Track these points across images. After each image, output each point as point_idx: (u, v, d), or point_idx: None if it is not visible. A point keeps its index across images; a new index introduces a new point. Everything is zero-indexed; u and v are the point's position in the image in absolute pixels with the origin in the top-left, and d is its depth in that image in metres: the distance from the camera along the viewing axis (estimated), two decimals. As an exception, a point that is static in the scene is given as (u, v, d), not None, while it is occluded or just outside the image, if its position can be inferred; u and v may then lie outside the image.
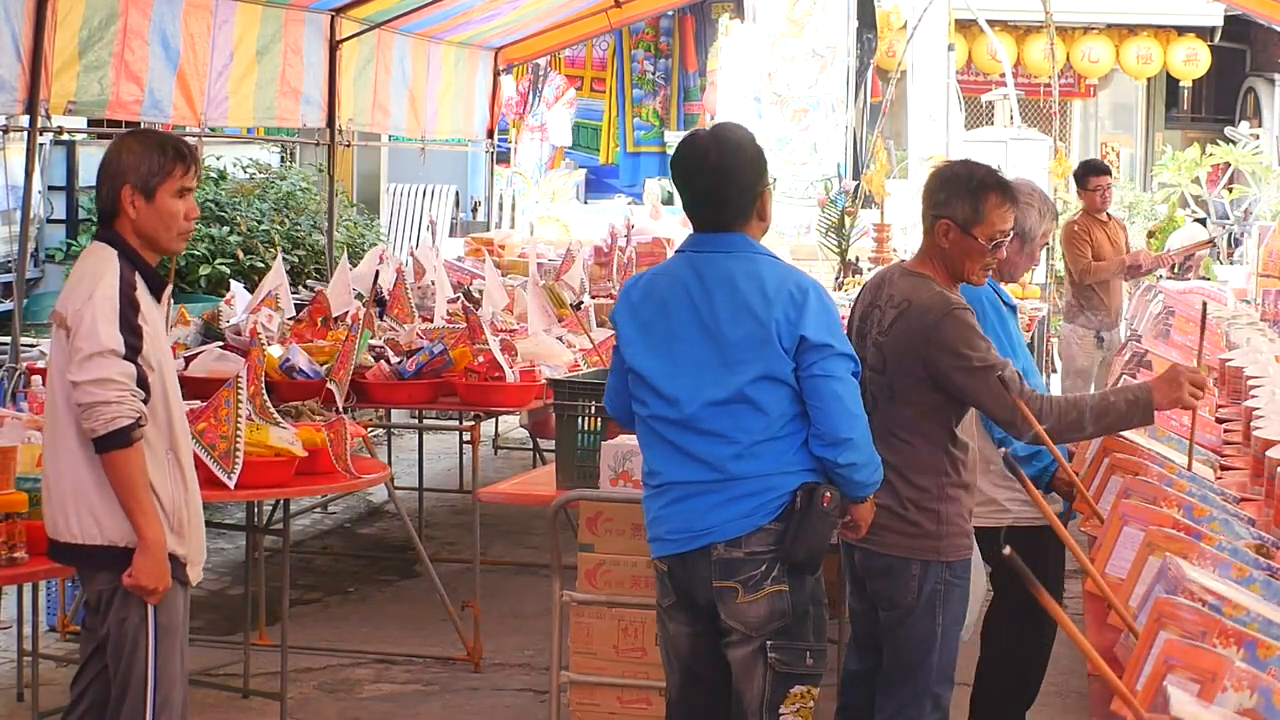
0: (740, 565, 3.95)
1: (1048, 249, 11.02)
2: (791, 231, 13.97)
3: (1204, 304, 6.08)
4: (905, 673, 4.30)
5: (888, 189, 13.34)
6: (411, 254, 10.35)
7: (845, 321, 4.33)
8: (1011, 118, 16.20)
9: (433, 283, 8.88)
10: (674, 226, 13.55)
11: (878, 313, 4.31)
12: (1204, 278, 12.16)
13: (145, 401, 3.92)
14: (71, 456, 3.96)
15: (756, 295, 3.95)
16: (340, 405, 6.31)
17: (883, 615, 4.33)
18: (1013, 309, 4.99)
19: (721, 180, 4.03)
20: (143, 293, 3.99)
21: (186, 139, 4.65)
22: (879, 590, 4.31)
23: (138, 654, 3.99)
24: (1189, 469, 4.24)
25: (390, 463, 8.50)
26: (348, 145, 10.81)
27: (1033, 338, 9.15)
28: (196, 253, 11.14)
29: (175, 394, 4.11)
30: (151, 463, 3.96)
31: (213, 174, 12.20)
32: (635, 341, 4.09)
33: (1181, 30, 19.72)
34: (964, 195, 4.27)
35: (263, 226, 11.72)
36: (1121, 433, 4.40)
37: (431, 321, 8.05)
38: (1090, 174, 9.88)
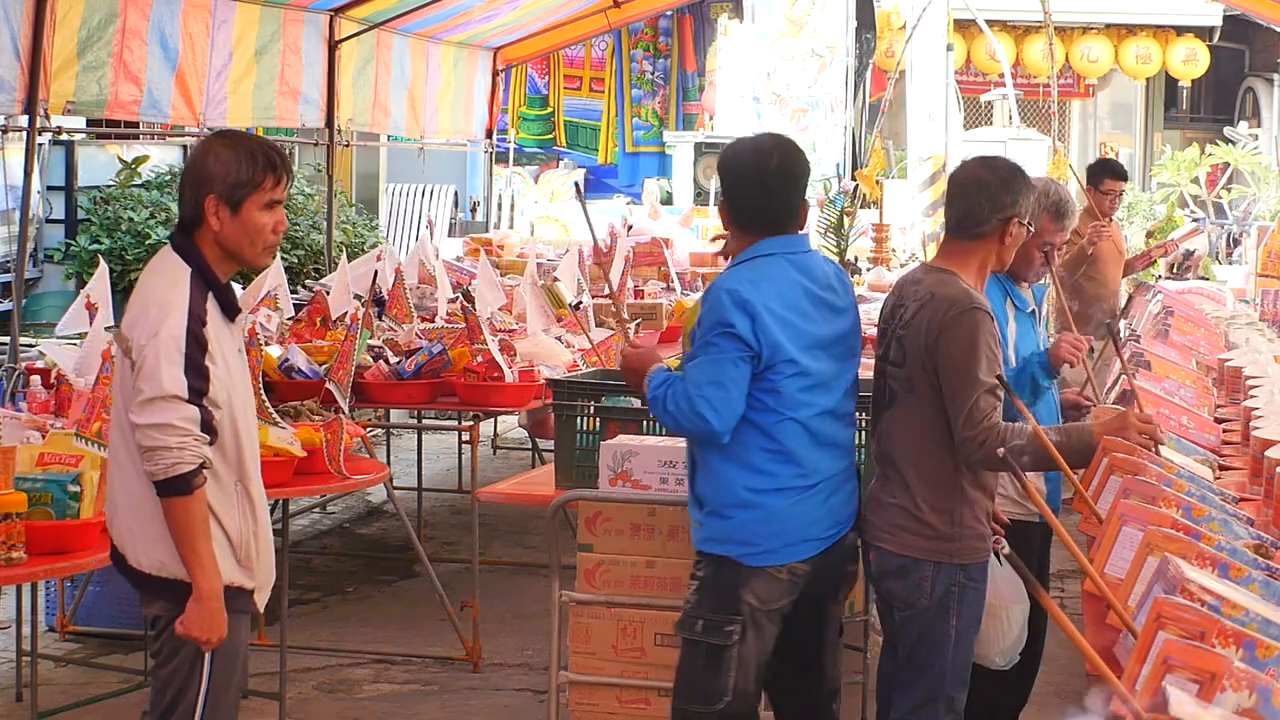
0: (856, 549, 4.35)
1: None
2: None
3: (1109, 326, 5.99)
4: (918, 674, 4.25)
5: (880, 183, 13.29)
6: (420, 255, 10.31)
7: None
8: (1010, 118, 16.22)
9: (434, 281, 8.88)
10: (672, 226, 13.56)
11: (902, 309, 4.30)
12: (1203, 277, 12.15)
13: (211, 443, 3.76)
14: (141, 483, 3.78)
15: (845, 293, 4.31)
16: (342, 406, 6.30)
17: (896, 615, 4.29)
18: (1030, 314, 4.96)
19: (791, 183, 4.23)
20: (214, 322, 3.79)
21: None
22: (892, 590, 4.26)
23: (190, 681, 3.85)
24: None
25: (389, 463, 8.49)
26: (346, 145, 10.81)
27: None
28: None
29: (247, 425, 3.92)
30: (220, 497, 3.82)
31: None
32: (794, 349, 4.14)
33: (1180, 30, 19.73)
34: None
35: (261, 226, 11.69)
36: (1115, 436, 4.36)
37: (431, 321, 8.04)
38: (1108, 175, 8.90)
